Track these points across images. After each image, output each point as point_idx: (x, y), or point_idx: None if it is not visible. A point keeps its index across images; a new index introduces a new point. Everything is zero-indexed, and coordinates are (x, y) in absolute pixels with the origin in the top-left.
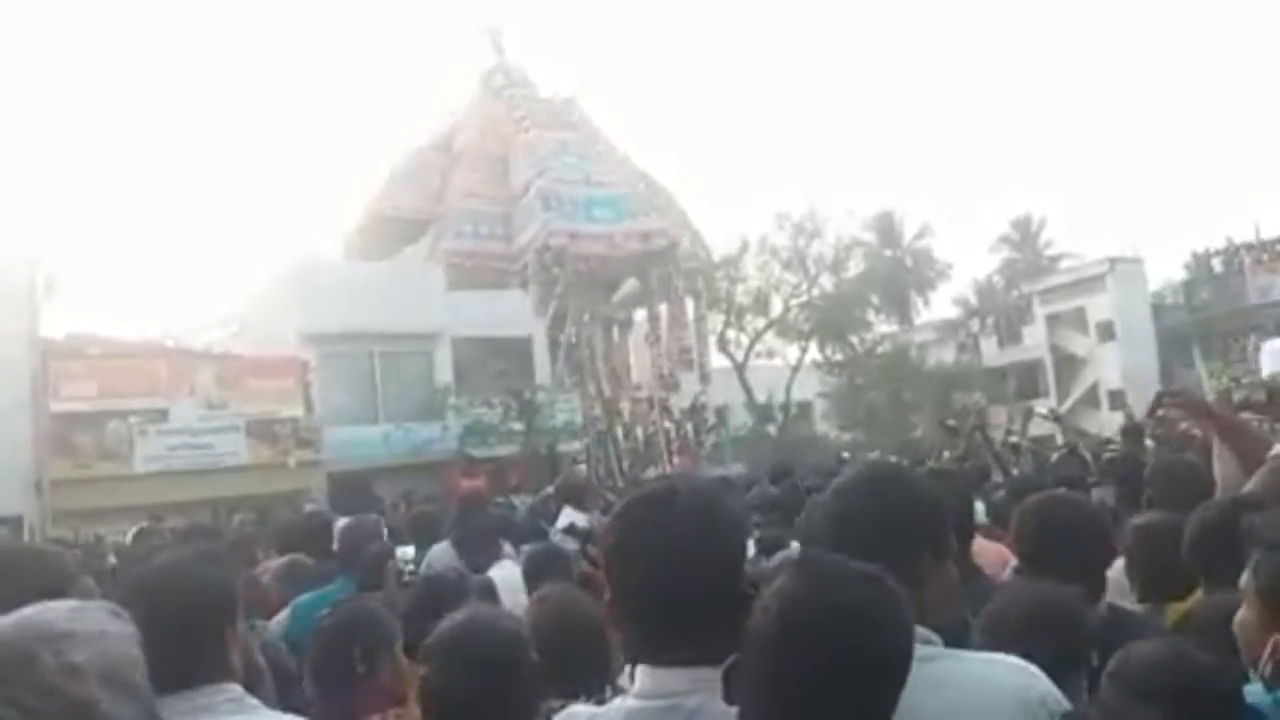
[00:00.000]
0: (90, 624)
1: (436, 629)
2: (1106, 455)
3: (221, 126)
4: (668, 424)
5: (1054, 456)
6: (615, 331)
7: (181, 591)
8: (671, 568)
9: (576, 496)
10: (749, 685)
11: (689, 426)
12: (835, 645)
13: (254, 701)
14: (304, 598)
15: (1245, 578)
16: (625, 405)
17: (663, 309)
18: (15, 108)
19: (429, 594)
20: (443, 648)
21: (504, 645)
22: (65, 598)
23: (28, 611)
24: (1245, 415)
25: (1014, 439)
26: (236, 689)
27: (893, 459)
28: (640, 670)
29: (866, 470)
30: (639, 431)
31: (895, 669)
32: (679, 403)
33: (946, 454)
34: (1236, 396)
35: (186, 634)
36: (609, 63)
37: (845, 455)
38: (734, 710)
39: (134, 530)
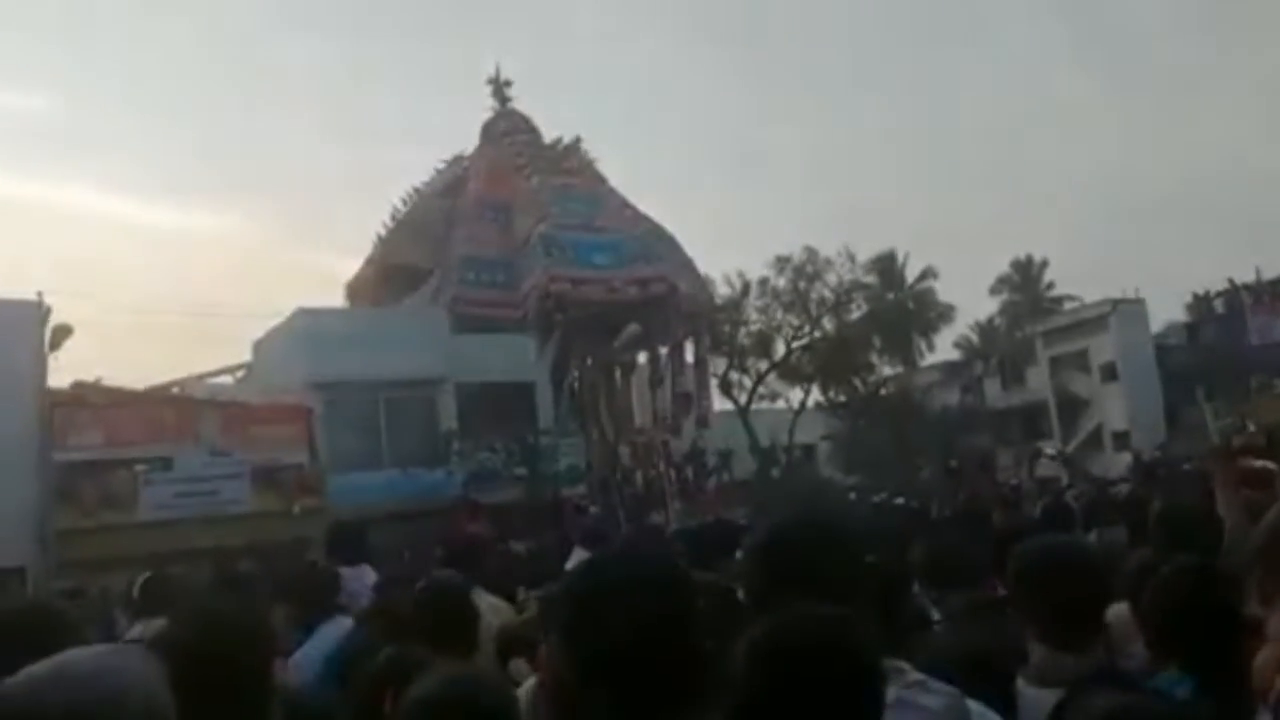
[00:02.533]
0: (132, 663)
1: (410, 693)
2: (1113, 493)
3: (222, 169)
4: (668, 468)
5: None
6: (618, 375)
7: (225, 640)
8: (629, 651)
9: (591, 538)
10: None
11: (689, 470)
12: (814, 691)
13: None
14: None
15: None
16: (625, 449)
17: (663, 353)
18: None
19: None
20: (420, 713)
21: (490, 708)
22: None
23: (62, 660)
24: (1246, 460)
25: (1014, 481)
26: None
27: (899, 502)
28: None
29: (792, 516)
30: (639, 476)
31: (872, 705)
32: (680, 447)
33: (960, 496)
34: (1237, 442)
35: (230, 685)
36: (609, 108)
37: (853, 498)
38: None
39: (141, 580)
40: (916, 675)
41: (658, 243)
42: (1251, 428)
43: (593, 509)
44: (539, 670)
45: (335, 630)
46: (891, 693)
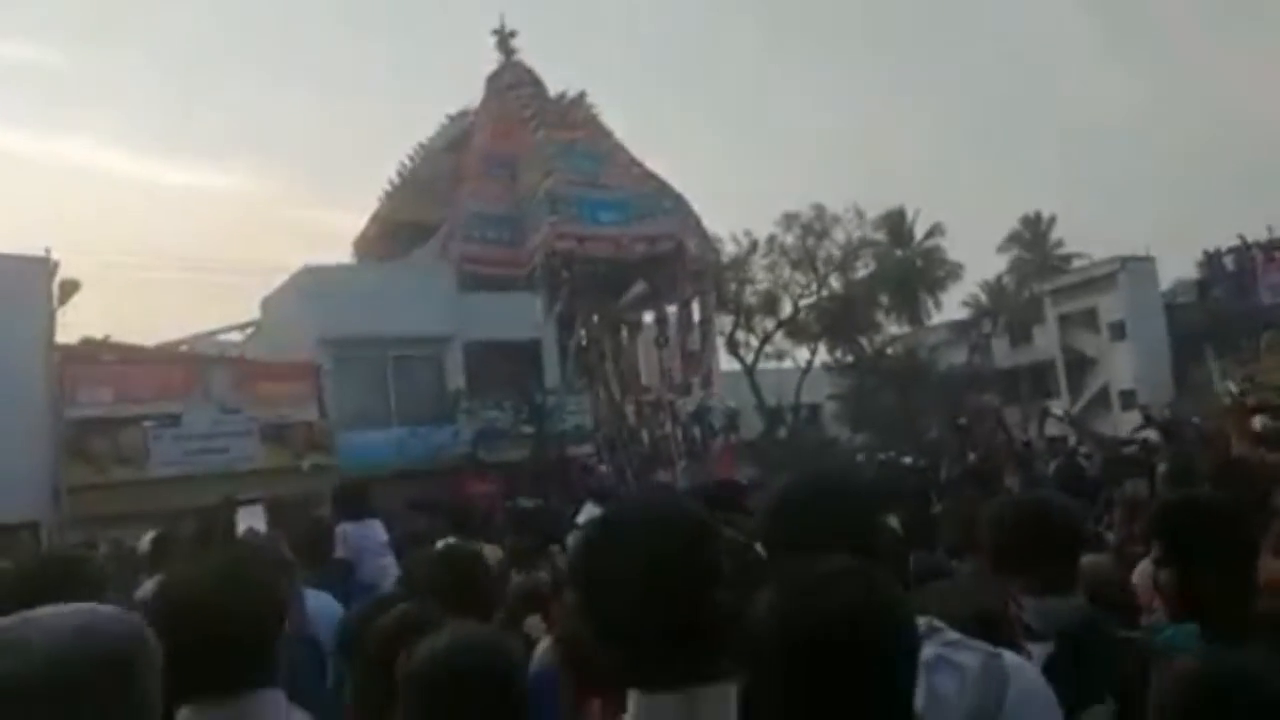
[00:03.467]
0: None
1: (416, 653)
2: (1127, 452)
3: (229, 126)
4: (675, 427)
5: (1051, 467)
6: (624, 334)
7: (234, 598)
8: (637, 594)
9: (601, 494)
10: (757, 709)
11: (695, 430)
12: (841, 652)
13: (300, 714)
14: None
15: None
16: (631, 408)
17: (670, 312)
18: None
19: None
20: (427, 675)
21: (497, 671)
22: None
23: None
24: (1260, 419)
25: (1026, 438)
26: (280, 696)
27: (906, 461)
28: (631, 696)
29: (808, 473)
30: (645, 435)
31: (906, 663)
32: (686, 406)
33: (971, 455)
34: (1251, 401)
35: (237, 641)
36: (615, 62)
37: (861, 457)
38: None
39: (149, 537)
40: (953, 634)
41: (664, 200)
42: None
43: (601, 468)
44: (553, 626)
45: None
46: (929, 650)
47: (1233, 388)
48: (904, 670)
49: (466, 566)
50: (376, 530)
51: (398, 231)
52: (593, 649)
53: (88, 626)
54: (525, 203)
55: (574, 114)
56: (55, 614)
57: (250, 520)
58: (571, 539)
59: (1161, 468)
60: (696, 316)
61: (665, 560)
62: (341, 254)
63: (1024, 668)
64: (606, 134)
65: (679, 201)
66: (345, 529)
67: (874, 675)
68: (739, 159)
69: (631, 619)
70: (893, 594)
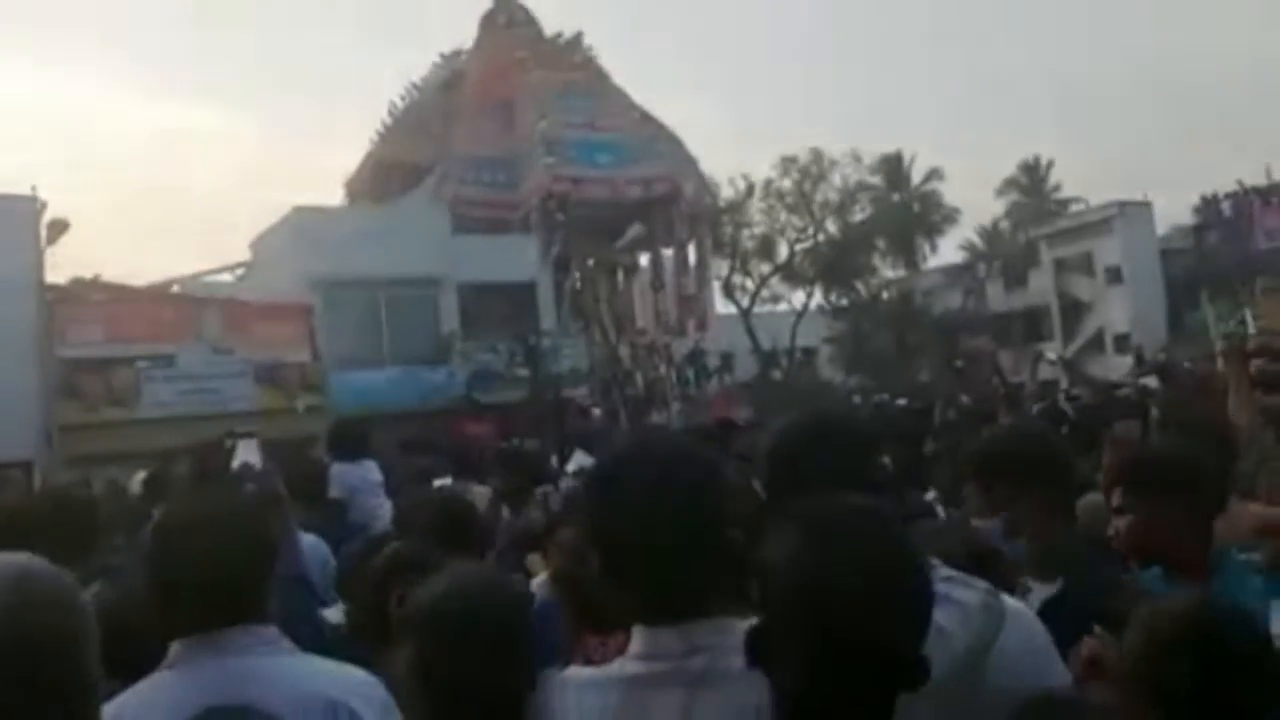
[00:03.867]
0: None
1: (418, 597)
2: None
3: (220, 67)
4: (669, 369)
5: (1034, 408)
6: (620, 276)
7: (226, 536)
8: (644, 527)
9: (588, 440)
10: (775, 648)
11: (690, 373)
12: (861, 600)
13: (289, 644)
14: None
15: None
16: (625, 351)
17: (666, 254)
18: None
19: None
20: (432, 618)
21: (502, 611)
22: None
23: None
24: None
25: (1019, 379)
26: (272, 631)
27: (901, 403)
28: (636, 631)
29: (807, 414)
30: (639, 377)
31: (924, 612)
32: (681, 349)
33: (964, 398)
34: (1252, 343)
35: (230, 578)
36: (611, 3)
37: (856, 400)
38: (738, 671)
39: (140, 477)
40: (948, 570)
41: (661, 143)
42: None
43: (595, 411)
44: (549, 564)
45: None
46: None
47: (1235, 326)
48: (919, 611)
49: (458, 509)
50: (371, 470)
51: (390, 172)
52: (592, 585)
53: (20, 577)
54: (520, 145)
55: (571, 55)
56: None
57: (246, 454)
58: (566, 483)
59: (1155, 413)
60: (692, 260)
61: (676, 494)
62: (332, 196)
63: (1021, 609)
64: (604, 75)
65: (676, 144)
66: (338, 469)
67: (892, 617)
68: (736, 102)
69: (640, 551)
70: (907, 534)
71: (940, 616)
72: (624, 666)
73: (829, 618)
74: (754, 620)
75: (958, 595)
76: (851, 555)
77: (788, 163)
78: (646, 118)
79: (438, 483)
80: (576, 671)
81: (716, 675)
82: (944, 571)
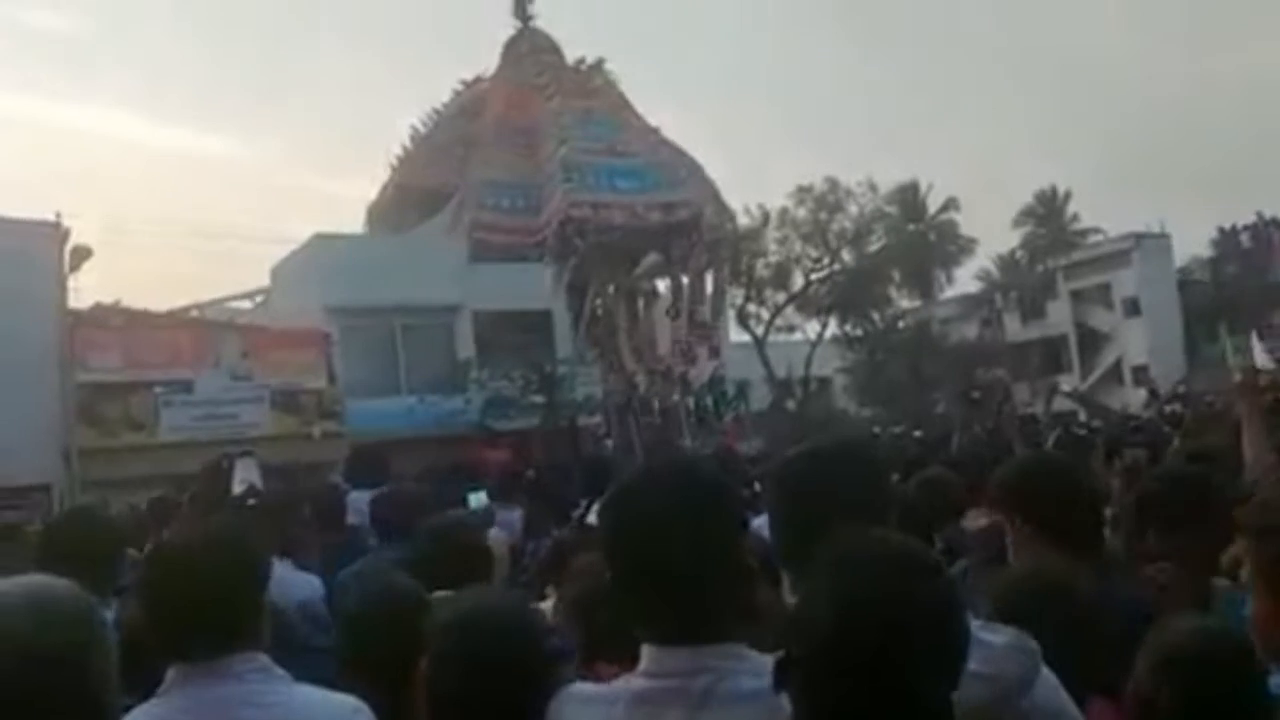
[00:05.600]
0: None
1: (436, 618)
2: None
3: (242, 93)
4: (686, 398)
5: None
6: (640, 304)
7: (219, 561)
8: (658, 545)
9: (601, 469)
10: (802, 677)
11: (707, 400)
12: (900, 638)
13: (280, 672)
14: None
15: (1245, 571)
16: (641, 378)
17: (684, 281)
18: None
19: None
20: (444, 637)
21: (514, 634)
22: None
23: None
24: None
25: (1031, 410)
26: (263, 658)
27: (916, 435)
28: (645, 649)
29: (824, 443)
30: (655, 404)
31: (958, 656)
32: (701, 376)
33: (979, 428)
34: (1264, 379)
35: (223, 603)
36: (629, 30)
37: (876, 430)
38: (745, 692)
39: (151, 499)
40: (977, 620)
41: (682, 169)
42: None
43: (607, 440)
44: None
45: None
46: None
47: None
48: (952, 656)
49: (457, 540)
50: None
51: (411, 198)
52: (605, 605)
53: (38, 598)
54: (540, 171)
55: (592, 81)
56: (10, 585)
57: (245, 473)
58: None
59: (1174, 443)
60: (709, 287)
61: (689, 515)
62: (353, 222)
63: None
64: (625, 101)
65: (696, 170)
66: (357, 495)
67: (926, 661)
68: (753, 131)
69: (651, 570)
70: (949, 577)
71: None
72: (629, 683)
73: (862, 656)
74: (772, 647)
75: (985, 637)
76: (892, 594)
77: (803, 192)
78: (667, 144)
79: (474, 502)
80: (581, 687)
81: (719, 697)
82: (977, 620)
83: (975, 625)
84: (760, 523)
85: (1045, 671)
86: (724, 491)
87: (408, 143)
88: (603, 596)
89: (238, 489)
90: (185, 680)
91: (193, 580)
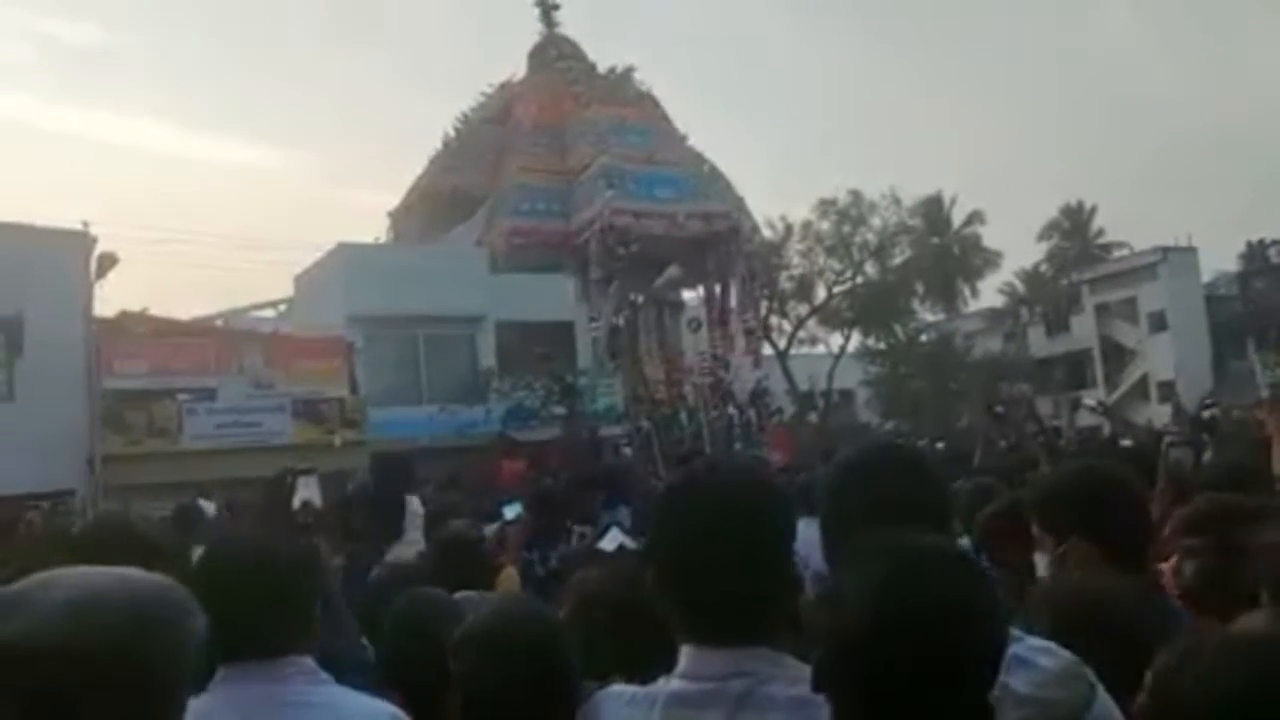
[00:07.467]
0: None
1: (466, 622)
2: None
3: (267, 104)
4: (731, 409)
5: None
6: (666, 314)
7: (275, 564)
8: (705, 543)
9: (619, 483)
10: (841, 678)
11: (752, 412)
12: (939, 639)
13: (325, 676)
14: None
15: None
16: (667, 390)
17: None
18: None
19: None
20: (474, 642)
21: (541, 638)
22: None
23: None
24: None
25: (1056, 423)
26: (309, 662)
27: (939, 448)
28: (684, 650)
29: (883, 447)
30: (684, 418)
31: (995, 658)
32: (747, 386)
33: (1003, 443)
34: None
35: (276, 606)
36: (651, 41)
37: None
38: (782, 700)
39: (176, 507)
40: (1033, 640)
41: (716, 180)
42: None
43: (625, 450)
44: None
45: None
46: (1009, 650)
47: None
48: (990, 655)
49: (461, 548)
50: (413, 504)
51: (439, 204)
52: (599, 633)
53: (107, 591)
54: (575, 177)
55: (623, 90)
56: (82, 574)
57: (306, 491)
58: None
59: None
60: (735, 298)
61: (738, 516)
62: (376, 229)
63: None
64: (659, 111)
65: (727, 181)
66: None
67: (965, 658)
68: (776, 143)
69: (695, 567)
70: (988, 580)
71: (1015, 680)
72: (668, 684)
73: (900, 653)
74: (815, 649)
75: (1042, 661)
76: (932, 593)
77: (826, 205)
78: (699, 156)
79: (510, 514)
80: (620, 688)
81: (757, 701)
82: (1030, 640)
83: (1027, 646)
84: None
85: (1103, 695)
86: (780, 496)
87: (439, 145)
88: (600, 614)
89: (297, 505)
90: (233, 678)
91: (249, 581)
